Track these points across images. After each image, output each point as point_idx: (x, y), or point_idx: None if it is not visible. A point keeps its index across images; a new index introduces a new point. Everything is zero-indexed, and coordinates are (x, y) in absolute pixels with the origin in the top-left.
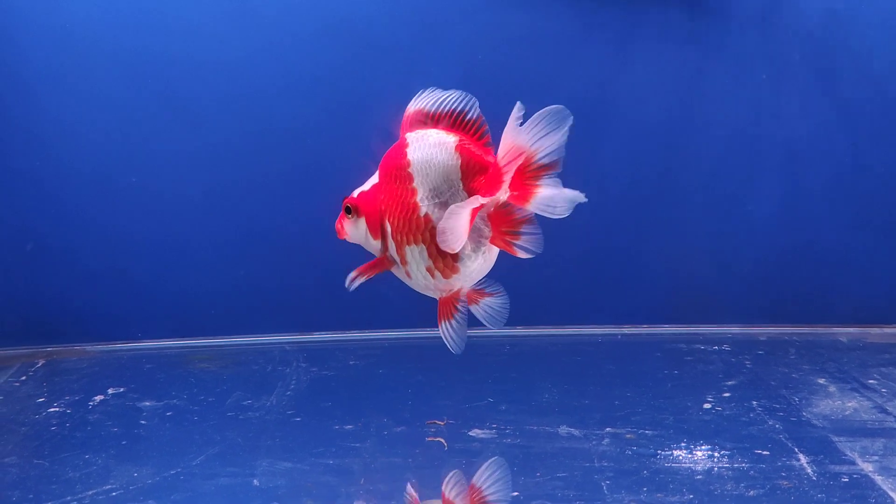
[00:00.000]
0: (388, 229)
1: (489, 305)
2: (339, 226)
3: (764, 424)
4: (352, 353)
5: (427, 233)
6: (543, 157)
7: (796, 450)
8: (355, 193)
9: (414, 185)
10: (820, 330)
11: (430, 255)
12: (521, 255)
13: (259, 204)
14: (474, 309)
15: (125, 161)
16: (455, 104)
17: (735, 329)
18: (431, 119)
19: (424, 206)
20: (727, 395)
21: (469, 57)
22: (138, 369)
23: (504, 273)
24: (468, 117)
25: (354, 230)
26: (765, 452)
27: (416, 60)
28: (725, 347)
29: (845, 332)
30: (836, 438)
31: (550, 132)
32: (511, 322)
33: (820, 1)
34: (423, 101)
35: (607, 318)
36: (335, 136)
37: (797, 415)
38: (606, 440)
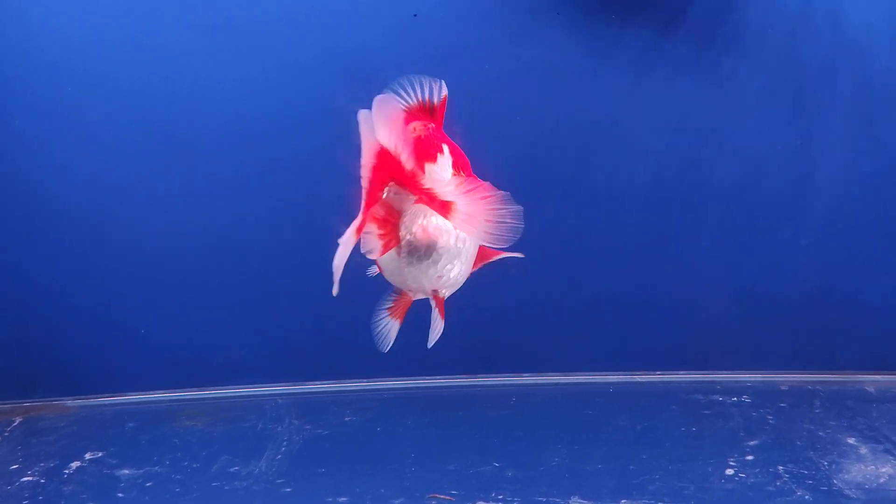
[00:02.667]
0: None
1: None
2: None
3: (792, 495)
4: (348, 407)
5: None
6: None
7: None
8: None
9: None
10: (845, 377)
11: None
12: None
13: (252, 246)
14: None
15: (112, 202)
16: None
17: (755, 376)
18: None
19: None
20: (750, 457)
21: (472, 91)
22: (120, 428)
23: (511, 317)
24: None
25: None
26: None
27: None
28: (745, 398)
29: (872, 380)
30: None
31: None
32: (518, 369)
33: (839, 32)
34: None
35: (619, 365)
36: (333, 176)
37: (828, 483)
38: None
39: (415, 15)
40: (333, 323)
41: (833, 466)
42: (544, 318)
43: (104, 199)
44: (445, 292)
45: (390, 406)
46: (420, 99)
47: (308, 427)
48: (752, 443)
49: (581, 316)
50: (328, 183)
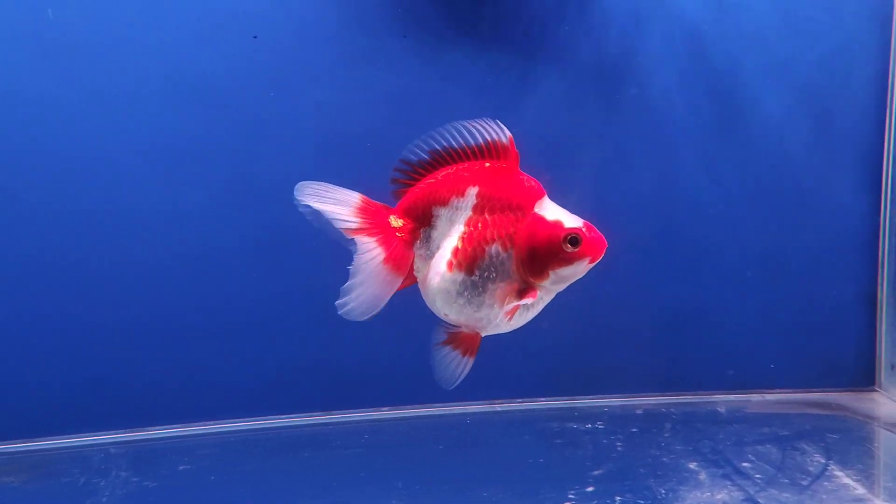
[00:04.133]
0: None
1: None
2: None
3: None
4: (186, 455)
5: None
6: None
7: None
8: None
9: None
10: (698, 398)
11: None
12: None
13: (66, 284)
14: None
15: None
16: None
17: (613, 400)
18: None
19: None
20: (591, 489)
21: (324, 116)
22: None
23: (368, 349)
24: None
25: None
26: None
27: (265, 121)
28: (599, 425)
29: (724, 400)
30: None
31: None
32: (375, 403)
33: (689, 51)
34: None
35: (480, 394)
36: (169, 197)
37: None
38: None
39: (255, 37)
40: (172, 363)
41: (670, 495)
42: (403, 348)
43: None
44: (480, 331)
45: (232, 451)
46: (483, 142)
47: (136, 479)
48: (596, 472)
49: None
50: (167, 215)
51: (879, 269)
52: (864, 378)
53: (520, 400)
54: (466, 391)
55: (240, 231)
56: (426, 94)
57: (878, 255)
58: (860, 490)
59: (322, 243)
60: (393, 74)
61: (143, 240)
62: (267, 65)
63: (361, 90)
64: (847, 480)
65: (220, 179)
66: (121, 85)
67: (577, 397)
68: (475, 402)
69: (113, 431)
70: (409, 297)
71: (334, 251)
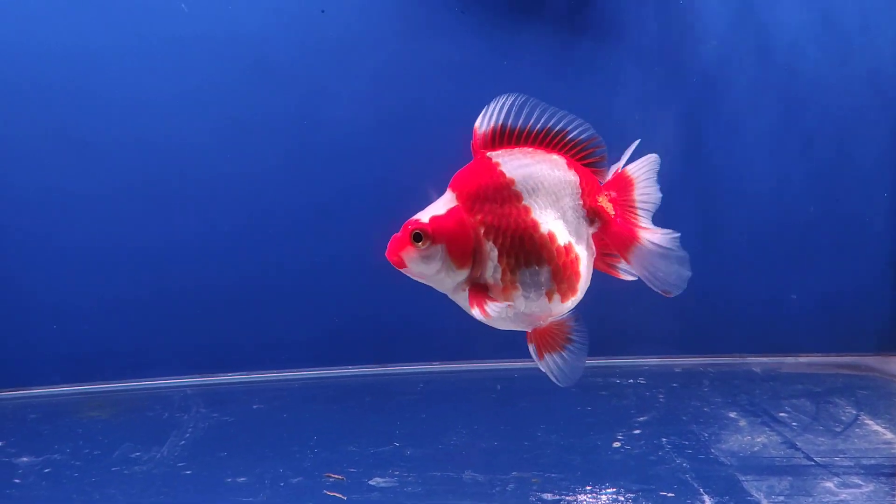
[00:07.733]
0: (493, 253)
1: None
2: (398, 257)
3: (672, 463)
4: (257, 396)
5: (554, 251)
6: (643, 195)
7: (702, 490)
8: (422, 218)
9: (524, 203)
10: (735, 360)
11: (553, 277)
12: (625, 277)
13: (153, 242)
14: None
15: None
16: (562, 123)
17: (652, 361)
18: (515, 136)
19: (544, 224)
20: (637, 431)
21: (380, 85)
22: (21, 420)
23: (423, 309)
24: (570, 137)
25: (422, 261)
26: (670, 494)
27: (323, 88)
28: (641, 381)
29: (759, 362)
30: (742, 477)
31: (652, 177)
32: (427, 358)
33: (736, 35)
34: (501, 117)
35: (525, 352)
36: (236, 164)
37: (706, 452)
38: (511, 485)
39: (322, 11)
40: (243, 314)
41: (713, 437)
42: (451, 307)
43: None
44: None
45: (300, 394)
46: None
47: (215, 415)
48: (641, 419)
49: None
50: (233, 177)
51: None
52: (891, 342)
53: None
54: (511, 349)
55: (302, 198)
56: (483, 67)
57: None
58: (889, 435)
59: (372, 209)
60: (452, 48)
61: (214, 208)
62: (329, 36)
63: (420, 63)
64: (877, 428)
65: (283, 150)
66: (181, 56)
67: (615, 357)
68: (520, 360)
69: (187, 376)
70: None
71: (385, 216)
